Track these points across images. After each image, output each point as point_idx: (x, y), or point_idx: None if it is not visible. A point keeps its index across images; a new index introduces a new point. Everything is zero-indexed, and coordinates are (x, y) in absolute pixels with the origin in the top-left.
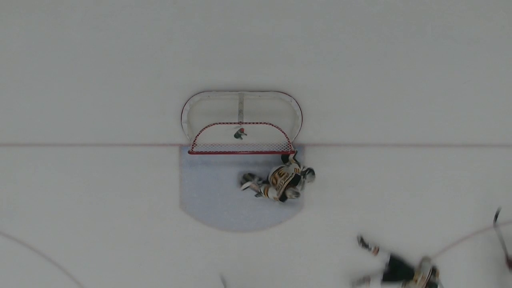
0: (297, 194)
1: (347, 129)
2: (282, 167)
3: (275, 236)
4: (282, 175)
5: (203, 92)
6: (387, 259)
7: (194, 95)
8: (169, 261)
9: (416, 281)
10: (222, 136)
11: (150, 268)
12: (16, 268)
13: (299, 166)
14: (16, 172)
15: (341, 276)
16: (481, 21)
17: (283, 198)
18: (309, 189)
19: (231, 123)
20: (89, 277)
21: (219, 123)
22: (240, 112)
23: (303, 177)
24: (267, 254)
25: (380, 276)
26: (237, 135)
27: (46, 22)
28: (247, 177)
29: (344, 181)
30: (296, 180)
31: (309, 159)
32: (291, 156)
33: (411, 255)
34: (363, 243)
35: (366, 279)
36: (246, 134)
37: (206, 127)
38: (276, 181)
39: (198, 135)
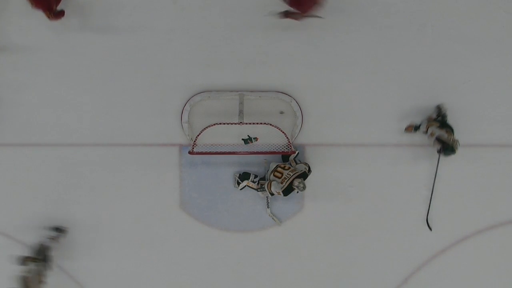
0: (304, 186)
1: (347, 129)
2: (284, 164)
3: (275, 236)
4: (288, 169)
5: (203, 92)
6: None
7: (195, 95)
8: (169, 261)
9: (450, 134)
10: (222, 136)
11: (150, 268)
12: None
13: (309, 168)
14: (16, 172)
15: (342, 276)
16: (481, 21)
17: (287, 191)
18: (309, 189)
19: (231, 123)
20: (89, 277)
21: (220, 123)
22: (240, 112)
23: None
24: (267, 254)
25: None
26: (246, 141)
27: (46, 22)
28: (242, 176)
29: (344, 181)
30: (303, 176)
31: (309, 159)
32: (291, 156)
33: (412, 255)
34: (439, 111)
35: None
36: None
37: (207, 127)
38: (281, 174)
39: (198, 135)
